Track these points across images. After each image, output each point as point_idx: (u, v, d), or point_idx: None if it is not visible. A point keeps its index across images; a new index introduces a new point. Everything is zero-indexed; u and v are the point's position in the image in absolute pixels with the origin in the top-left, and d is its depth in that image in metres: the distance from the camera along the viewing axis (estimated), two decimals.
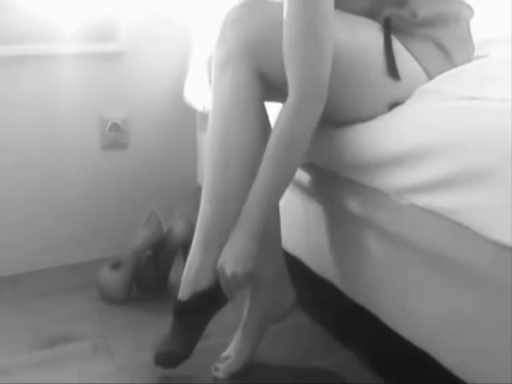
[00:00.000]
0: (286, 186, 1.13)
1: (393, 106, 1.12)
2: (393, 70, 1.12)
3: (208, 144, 1.18)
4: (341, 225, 1.24)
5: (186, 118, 1.94)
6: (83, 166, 1.84)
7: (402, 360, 1.33)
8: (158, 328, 1.50)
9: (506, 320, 0.88)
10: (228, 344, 1.32)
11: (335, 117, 1.17)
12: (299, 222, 1.39)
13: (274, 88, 1.15)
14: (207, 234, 1.20)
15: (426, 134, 0.99)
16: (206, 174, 1.19)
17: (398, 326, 1.12)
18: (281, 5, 1.13)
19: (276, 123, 1.09)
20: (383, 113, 1.12)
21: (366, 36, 1.13)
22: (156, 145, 1.92)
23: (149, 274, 1.66)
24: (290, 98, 1.07)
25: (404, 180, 1.02)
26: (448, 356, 1.01)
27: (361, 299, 1.21)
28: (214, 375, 1.30)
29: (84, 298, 1.65)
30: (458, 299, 0.97)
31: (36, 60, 1.72)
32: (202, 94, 1.71)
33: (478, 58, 1.23)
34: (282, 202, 1.27)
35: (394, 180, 1.04)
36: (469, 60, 1.21)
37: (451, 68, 1.16)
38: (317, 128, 1.22)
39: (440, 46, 1.17)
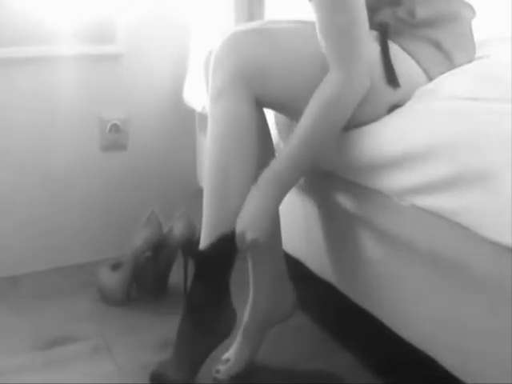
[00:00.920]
0: (317, 152, 1.11)
1: (392, 108, 1.13)
2: (392, 79, 1.12)
3: (207, 176, 1.17)
4: (341, 226, 1.24)
5: (186, 119, 1.94)
6: (83, 167, 1.84)
7: (401, 361, 1.33)
8: (157, 329, 1.50)
9: (505, 321, 0.88)
10: (228, 346, 1.32)
11: None
12: (299, 224, 1.39)
13: (272, 104, 1.17)
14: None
15: (425, 135, 0.99)
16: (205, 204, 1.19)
17: (397, 326, 1.12)
18: (275, 31, 1.14)
19: (317, 94, 1.07)
20: (383, 115, 1.12)
21: None
22: (155, 146, 1.92)
23: (148, 274, 1.66)
24: (334, 73, 1.05)
25: (404, 181, 1.02)
26: (447, 357, 1.01)
27: (360, 300, 1.21)
28: (215, 377, 1.30)
29: (84, 298, 1.65)
30: (458, 300, 0.97)
31: (35, 62, 1.72)
32: (201, 94, 1.71)
33: (479, 58, 1.23)
34: (282, 204, 1.27)
35: (394, 181, 1.04)
36: (470, 60, 1.21)
37: (451, 69, 1.16)
38: None
39: (439, 47, 1.16)
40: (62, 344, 1.45)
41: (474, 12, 1.24)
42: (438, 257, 1.00)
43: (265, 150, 1.22)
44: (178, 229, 1.65)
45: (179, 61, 1.89)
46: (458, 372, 0.99)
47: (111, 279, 1.63)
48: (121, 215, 1.90)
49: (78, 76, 1.78)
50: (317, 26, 1.05)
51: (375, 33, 1.14)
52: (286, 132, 1.30)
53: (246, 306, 1.31)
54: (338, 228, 1.25)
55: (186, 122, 1.95)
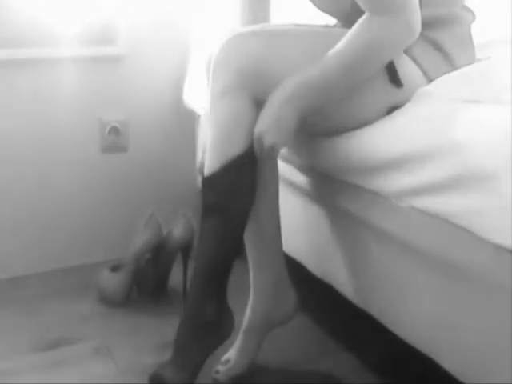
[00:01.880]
0: (350, 83, 1.09)
1: (392, 109, 1.13)
2: (395, 78, 1.12)
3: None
4: (341, 227, 1.25)
5: (186, 121, 1.95)
6: (83, 169, 1.84)
7: (401, 362, 1.34)
8: (157, 330, 1.50)
9: (505, 322, 0.88)
10: (228, 346, 1.32)
11: (335, 124, 1.17)
12: (300, 225, 1.39)
13: None
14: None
15: (425, 136, 0.99)
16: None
17: (397, 328, 1.12)
18: (276, 33, 1.14)
19: (359, 35, 1.05)
20: (382, 116, 1.13)
21: None
22: (155, 147, 1.92)
23: (148, 276, 1.67)
24: (379, 17, 1.04)
25: (403, 183, 1.02)
26: (447, 358, 1.01)
27: (361, 301, 1.22)
28: (214, 377, 1.30)
29: (84, 300, 1.65)
30: (458, 301, 0.97)
31: (35, 64, 1.72)
32: (201, 96, 1.71)
33: (479, 60, 1.23)
34: (282, 205, 1.27)
35: (394, 183, 1.04)
36: (470, 63, 1.21)
37: (451, 70, 1.16)
38: (315, 133, 1.23)
39: (439, 49, 1.17)
40: (63, 345, 1.45)
41: (473, 16, 1.24)
42: (437, 258, 1.00)
43: None
44: (177, 231, 1.65)
45: (179, 63, 1.89)
46: (458, 373, 0.99)
47: (111, 281, 1.63)
48: (121, 217, 1.90)
49: (79, 78, 1.78)
50: None
51: None
52: None
53: (247, 308, 1.31)
54: (338, 229, 1.25)
55: (186, 124, 1.95)
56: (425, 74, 1.16)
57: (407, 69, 1.15)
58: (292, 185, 1.39)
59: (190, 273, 1.57)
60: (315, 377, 1.33)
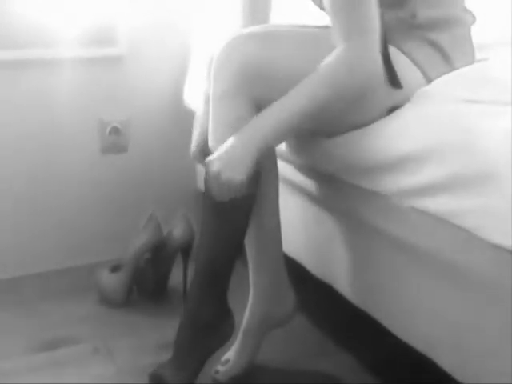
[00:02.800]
0: (309, 121, 1.08)
1: (391, 109, 1.13)
2: (394, 80, 1.12)
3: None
4: (340, 228, 1.25)
5: (186, 121, 1.94)
6: (83, 169, 1.84)
7: (400, 362, 1.34)
8: (157, 330, 1.50)
9: (504, 322, 0.88)
10: (228, 347, 1.32)
11: (336, 125, 1.17)
12: (299, 226, 1.39)
13: None
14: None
15: (424, 137, 0.99)
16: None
17: (397, 328, 1.12)
18: (277, 34, 1.14)
19: (322, 68, 1.05)
20: (382, 117, 1.13)
21: None
22: (155, 148, 1.92)
23: (148, 276, 1.67)
24: (342, 48, 1.04)
25: (404, 183, 1.02)
26: (447, 358, 1.01)
27: (360, 302, 1.22)
28: (214, 377, 1.30)
29: (84, 300, 1.65)
30: (457, 302, 0.97)
31: (36, 64, 1.72)
32: (201, 97, 1.71)
33: (479, 61, 1.23)
34: (282, 205, 1.27)
35: (394, 183, 1.04)
36: (469, 64, 1.21)
37: (451, 71, 1.16)
38: (315, 133, 1.23)
39: (439, 49, 1.17)
40: (62, 346, 1.45)
41: (474, 18, 1.24)
42: (437, 258, 1.00)
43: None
44: (177, 231, 1.65)
45: (179, 63, 1.89)
46: (457, 373, 0.99)
47: (111, 281, 1.63)
48: (121, 217, 1.90)
49: (79, 78, 1.78)
50: (326, 1, 1.04)
51: None
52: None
53: (246, 308, 1.31)
54: (338, 230, 1.25)
55: (186, 124, 1.95)
56: (424, 74, 1.16)
57: (406, 70, 1.15)
58: (292, 185, 1.39)
59: (189, 273, 1.57)
60: (314, 377, 1.33)
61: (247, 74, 1.11)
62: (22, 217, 1.79)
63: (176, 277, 1.69)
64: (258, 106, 1.13)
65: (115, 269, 1.65)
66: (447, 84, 1.11)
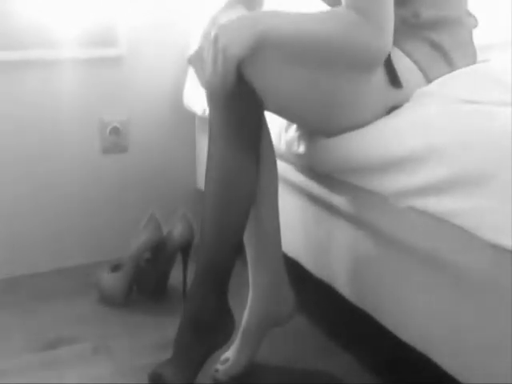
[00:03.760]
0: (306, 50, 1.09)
1: (391, 109, 1.13)
2: (394, 80, 1.12)
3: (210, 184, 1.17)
4: (339, 228, 1.25)
5: (186, 122, 1.95)
6: (83, 169, 1.84)
7: (400, 362, 1.34)
8: (157, 330, 1.50)
9: (503, 322, 0.88)
10: (228, 346, 1.32)
11: (335, 124, 1.17)
12: (298, 225, 1.39)
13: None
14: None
15: (424, 137, 0.99)
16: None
17: (396, 327, 1.12)
18: (265, 13, 1.13)
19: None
20: (382, 117, 1.13)
21: None
22: (155, 148, 1.93)
23: (148, 276, 1.67)
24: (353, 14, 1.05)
25: (402, 183, 1.02)
26: (447, 358, 1.01)
27: (360, 302, 1.22)
28: (214, 376, 1.30)
29: (84, 300, 1.65)
30: (457, 301, 0.97)
31: (37, 65, 1.73)
32: (200, 97, 1.72)
33: (479, 62, 1.24)
34: (281, 205, 1.27)
35: (393, 183, 1.04)
36: (470, 65, 1.21)
37: (451, 72, 1.17)
38: (314, 132, 1.24)
39: (440, 50, 1.17)
40: (62, 345, 1.45)
41: (476, 21, 1.24)
42: (435, 258, 1.00)
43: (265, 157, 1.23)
44: (177, 231, 1.65)
45: (179, 64, 1.89)
46: (457, 373, 0.99)
47: (111, 281, 1.63)
48: (121, 217, 1.90)
49: (79, 79, 1.79)
50: None
51: None
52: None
53: (246, 307, 1.31)
54: (337, 230, 1.26)
55: (185, 124, 1.96)
56: (424, 74, 1.16)
57: (407, 70, 1.15)
58: (291, 185, 1.39)
59: (189, 273, 1.57)
60: (314, 377, 1.33)
61: (243, 65, 1.08)
62: (21, 216, 1.79)
63: (176, 276, 1.69)
64: (258, 101, 1.12)
65: (115, 268, 1.65)
66: (447, 84, 1.11)
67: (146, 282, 1.67)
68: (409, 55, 1.15)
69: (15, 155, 1.75)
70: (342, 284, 1.26)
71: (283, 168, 1.36)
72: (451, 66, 1.17)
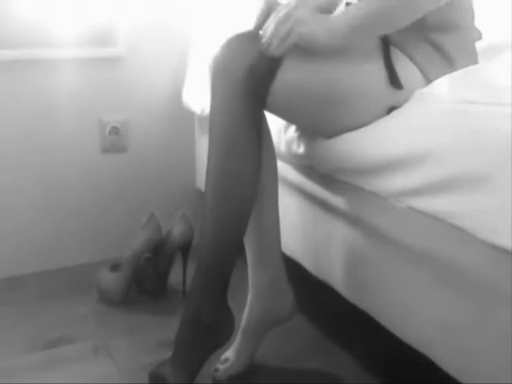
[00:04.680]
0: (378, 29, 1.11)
1: (391, 109, 1.13)
2: (395, 80, 1.13)
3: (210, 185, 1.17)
4: (338, 227, 1.25)
5: (185, 121, 1.95)
6: (83, 169, 1.85)
7: (399, 361, 1.34)
8: (157, 329, 1.50)
9: (504, 322, 0.88)
10: (228, 346, 1.32)
11: (335, 124, 1.17)
12: (296, 225, 1.39)
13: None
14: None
15: (423, 137, 0.99)
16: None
17: (395, 327, 1.12)
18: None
19: None
20: (381, 117, 1.13)
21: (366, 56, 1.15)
22: (155, 148, 1.93)
23: (148, 276, 1.67)
24: None
25: (401, 183, 1.02)
26: (445, 357, 1.01)
27: (358, 301, 1.22)
28: (214, 376, 1.30)
29: (83, 299, 1.66)
30: (455, 301, 0.97)
31: (36, 64, 1.73)
32: (200, 97, 1.72)
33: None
34: (281, 205, 1.28)
35: (392, 183, 1.04)
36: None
37: (451, 72, 1.17)
38: (314, 132, 1.24)
39: (441, 51, 1.17)
40: (62, 345, 1.45)
41: (480, 35, 1.24)
42: (434, 258, 1.00)
43: (265, 154, 1.23)
44: (177, 230, 1.65)
45: (179, 64, 1.90)
46: (455, 372, 0.99)
47: (111, 280, 1.63)
48: (120, 216, 1.90)
49: (78, 78, 1.79)
50: None
51: (378, 41, 1.15)
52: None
53: (245, 307, 1.32)
54: (335, 229, 1.26)
55: (185, 124, 1.96)
56: (424, 75, 1.16)
57: (407, 71, 1.15)
58: (291, 185, 1.40)
59: (189, 272, 1.57)
60: (313, 376, 1.33)
61: (248, 75, 1.10)
62: (22, 216, 1.80)
63: (175, 276, 1.70)
64: (262, 102, 1.12)
65: (115, 268, 1.66)
66: (446, 85, 1.11)
67: (145, 281, 1.67)
68: (409, 56, 1.15)
69: (15, 155, 1.76)
70: (341, 284, 1.26)
71: (282, 168, 1.36)
72: (452, 67, 1.17)
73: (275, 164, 1.27)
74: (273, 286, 1.30)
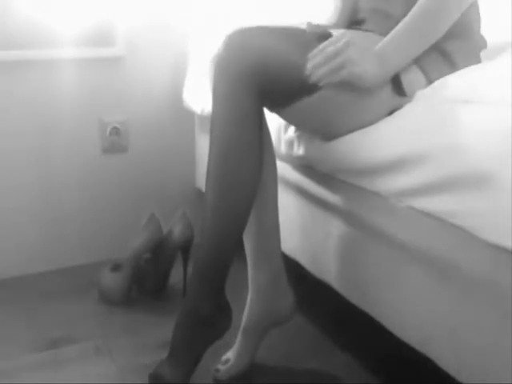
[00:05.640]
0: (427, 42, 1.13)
1: (392, 110, 1.13)
2: (400, 89, 1.13)
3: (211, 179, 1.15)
4: (339, 227, 1.25)
5: (185, 121, 1.95)
6: (84, 169, 1.85)
7: (399, 361, 1.34)
8: (157, 329, 1.50)
9: (503, 322, 0.89)
10: (229, 346, 1.33)
11: (336, 127, 1.17)
12: (296, 224, 1.39)
13: (277, 106, 1.16)
14: None
15: (423, 137, 0.99)
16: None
17: (395, 327, 1.12)
18: (284, 30, 1.13)
19: None
20: (383, 117, 1.13)
21: None
22: (155, 148, 1.93)
23: (148, 276, 1.67)
24: None
25: (402, 183, 1.02)
26: (446, 357, 1.01)
27: (358, 301, 1.22)
28: (215, 376, 1.30)
29: (84, 300, 1.66)
30: (456, 301, 0.97)
31: (35, 65, 1.73)
32: (200, 97, 1.72)
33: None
34: (280, 205, 1.28)
35: (393, 183, 1.04)
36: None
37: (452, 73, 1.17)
38: (315, 133, 1.24)
39: (447, 56, 1.17)
40: (63, 345, 1.45)
41: (485, 44, 1.24)
42: (435, 258, 1.00)
43: (265, 154, 1.23)
44: (177, 230, 1.66)
45: (179, 64, 1.90)
46: (454, 372, 0.99)
47: (111, 280, 1.64)
48: (121, 217, 1.91)
49: (79, 79, 1.79)
50: None
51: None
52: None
53: (245, 307, 1.32)
54: (336, 229, 1.26)
55: (185, 124, 1.96)
56: (426, 76, 1.15)
57: (409, 71, 1.15)
58: (290, 184, 1.40)
59: (189, 272, 1.57)
60: (313, 376, 1.34)
61: (251, 69, 1.08)
62: (22, 216, 1.80)
63: (176, 276, 1.70)
64: (264, 98, 1.11)
65: (116, 268, 1.66)
66: (447, 85, 1.11)
67: (146, 281, 1.67)
68: (415, 63, 1.15)
69: (15, 155, 1.76)
70: (341, 284, 1.27)
71: (282, 168, 1.36)
72: (453, 67, 1.17)
73: (275, 164, 1.27)
74: (273, 285, 1.30)
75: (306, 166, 1.32)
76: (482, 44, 1.24)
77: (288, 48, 1.10)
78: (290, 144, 1.30)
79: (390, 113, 1.13)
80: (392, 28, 1.15)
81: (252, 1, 1.82)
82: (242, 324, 1.32)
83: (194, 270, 1.18)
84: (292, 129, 1.30)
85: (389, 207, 1.08)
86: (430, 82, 1.15)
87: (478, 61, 1.22)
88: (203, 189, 1.20)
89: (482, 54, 1.25)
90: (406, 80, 1.13)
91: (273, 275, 1.29)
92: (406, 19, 1.11)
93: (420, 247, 1.03)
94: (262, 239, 1.27)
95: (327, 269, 1.30)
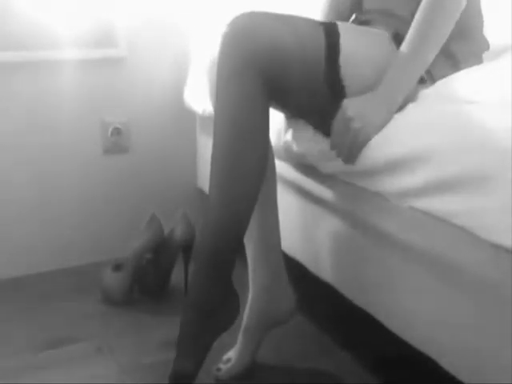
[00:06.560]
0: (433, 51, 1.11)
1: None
2: None
3: (214, 156, 1.13)
4: (339, 226, 1.25)
5: (186, 122, 1.96)
6: (85, 170, 1.85)
7: (399, 360, 1.34)
8: (159, 329, 1.51)
9: (504, 322, 0.89)
10: (231, 346, 1.33)
11: None
12: (297, 224, 1.39)
13: (280, 91, 1.14)
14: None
15: (425, 138, 0.99)
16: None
17: (396, 326, 1.12)
18: (290, 16, 1.13)
19: None
20: None
21: (377, 52, 1.15)
22: (157, 148, 1.93)
23: (150, 276, 1.67)
24: None
25: (403, 183, 1.02)
26: (447, 357, 1.01)
27: (359, 300, 1.22)
28: (216, 376, 1.31)
29: (86, 300, 1.66)
30: (457, 300, 0.98)
31: (37, 66, 1.73)
32: (201, 97, 1.72)
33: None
34: (280, 205, 1.28)
35: (393, 183, 1.04)
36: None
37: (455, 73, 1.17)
38: (315, 130, 1.24)
39: (451, 57, 1.17)
40: (64, 344, 1.45)
41: (488, 46, 1.24)
42: (435, 258, 1.00)
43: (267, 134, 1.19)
44: (178, 230, 1.66)
45: (180, 64, 1.90)
46: (455, 371, 0.99)
47: (113, 280, 1.64)
48: (122, 217, 1.91)
49: (80, 80, 1.79)
50: None
51: (389, 38, 1.16)
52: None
53: (246, 307, 1.32)
54: (337, 228, 1.26)
55: (186, 124, 1.96)
56: (429, 75, 1.15)
57: None
58: (290, 184, 1.40)
59: (190, 272, 1.58)
60: (314, 376, 1.34)
61: (256, 51, 1.07)
62: (22, 217, 1.80)
63: (177, 276, 1.70)
64: (266, 83, 1.10)
65: (117, 268, 1.66)
66: (450, 85, 1.11)
67: (147, 281, 1.68)
68: None
69: (16, 156, 1.76)
70: (342, 284, 1.27)
71: (282, 167, 1.37)
72: (456, 67, 1.17)
73: (273, 162, 1.28)
74: (273, 284, 1.30)
75: (306, 166, 1.32)
76: (485, 46, 1.25)
77: (293, 30, 1.10)
78: (290, 144, 1.30)
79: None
80: (398, 28, 1.15)
81: (252, 1, 1.82)
82: (243, 323, 1.32)
83: (195, 263, 1.15)
84: (292, 129, 1.30)
85: (389, 207, 1.08)
86: (433, 81, 1.15)
87: (480, 62, 1.23)
88: (204, 189, 1.20)
89: (484, 55, 1.25)
90: None
91: (274, 276, 1.30)
92: (405, 45, 1.10)
93: (421, 247, 1.03)
94: (263, 240, 1.27)
95: (327, 268, 1.30)
